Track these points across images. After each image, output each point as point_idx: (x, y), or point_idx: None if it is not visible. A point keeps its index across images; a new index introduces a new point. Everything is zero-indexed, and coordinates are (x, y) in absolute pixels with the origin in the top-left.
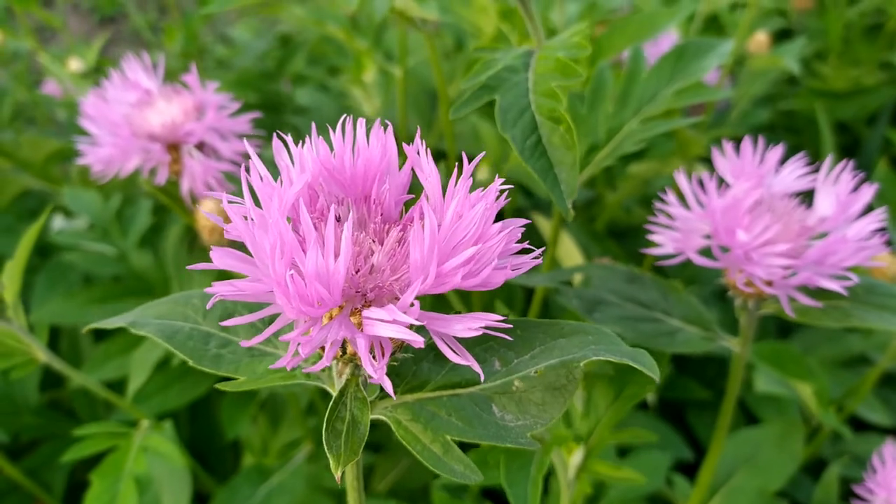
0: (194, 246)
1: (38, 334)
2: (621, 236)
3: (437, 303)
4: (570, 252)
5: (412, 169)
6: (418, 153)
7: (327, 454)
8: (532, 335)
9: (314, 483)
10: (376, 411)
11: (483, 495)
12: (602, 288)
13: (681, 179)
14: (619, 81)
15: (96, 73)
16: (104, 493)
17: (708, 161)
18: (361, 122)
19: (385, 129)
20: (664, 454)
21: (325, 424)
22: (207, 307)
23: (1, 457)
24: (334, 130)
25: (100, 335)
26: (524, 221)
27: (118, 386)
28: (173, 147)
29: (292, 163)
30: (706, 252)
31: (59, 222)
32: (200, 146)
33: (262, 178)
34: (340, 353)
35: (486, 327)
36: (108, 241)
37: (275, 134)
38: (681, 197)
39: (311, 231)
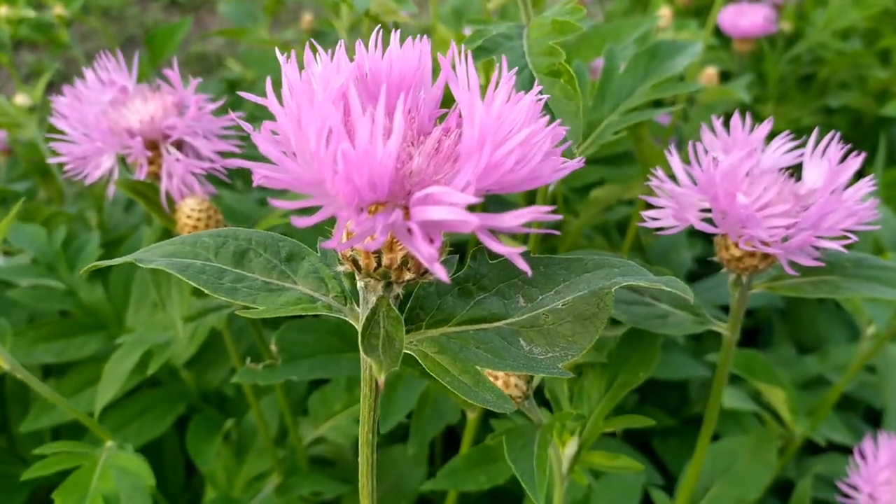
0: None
1: None
2: None
3: None
4: None
5: (446, 84)
6: (453, 66)
7: (369, 359)
8: (555, 272)
9: None
10: None
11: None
12: None
13: (672, 158)
14: (594, 81)
15: (42, 111)
16: None
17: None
18: (395, 32)
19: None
20: (637, 476)
21: (360, 340)
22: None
23: None
24: None
25: (48, 373)
26: (564, 128)
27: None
28: (152, 145)
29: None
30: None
31: None
32: (180, 146)
33: (298, 77)
34: (375, 266)
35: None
36: (54, 277)
37: (308, 42)
38: (671, 176)
39: (359, 114)
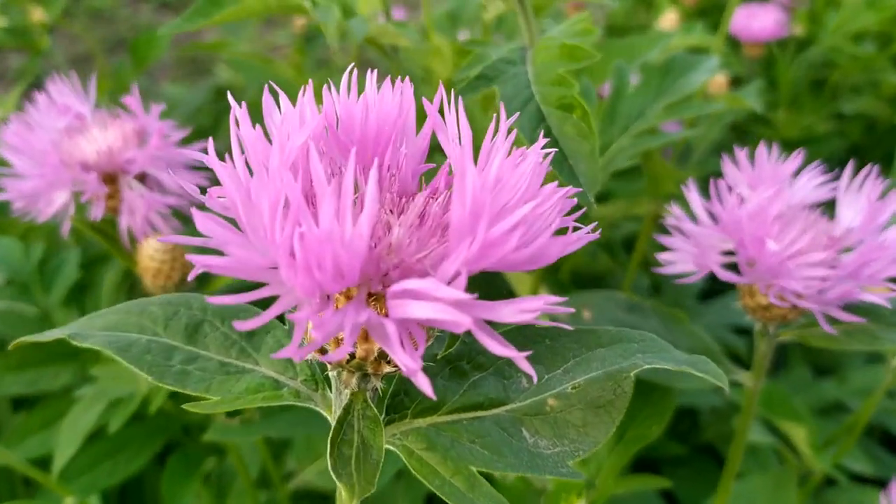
0: (134, 293)
1: None
2: (587, 285)
3: None
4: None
5: (432, 132)
6: (441, 111)
7: (338, 483)
8: (563, 346)
9: None
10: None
11: None
12: (600, 318)
13: (691, 194)
14: (603, 102)
15: None
16: None
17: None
18: (372, 75)
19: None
20: None
21: (329, 449)
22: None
23: None
24: None
25: (18, 405)
26: (574, 189)
27: (41, 464)
28: (110, 178)
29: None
30: (726, 268)
31: None
32: (142, 178)
33: (253, 134)
34: (347, 358)
35: (543, 316)
36: (28, 300)
37: (266, 87)
38: (689, 213)
39: (323, 186)
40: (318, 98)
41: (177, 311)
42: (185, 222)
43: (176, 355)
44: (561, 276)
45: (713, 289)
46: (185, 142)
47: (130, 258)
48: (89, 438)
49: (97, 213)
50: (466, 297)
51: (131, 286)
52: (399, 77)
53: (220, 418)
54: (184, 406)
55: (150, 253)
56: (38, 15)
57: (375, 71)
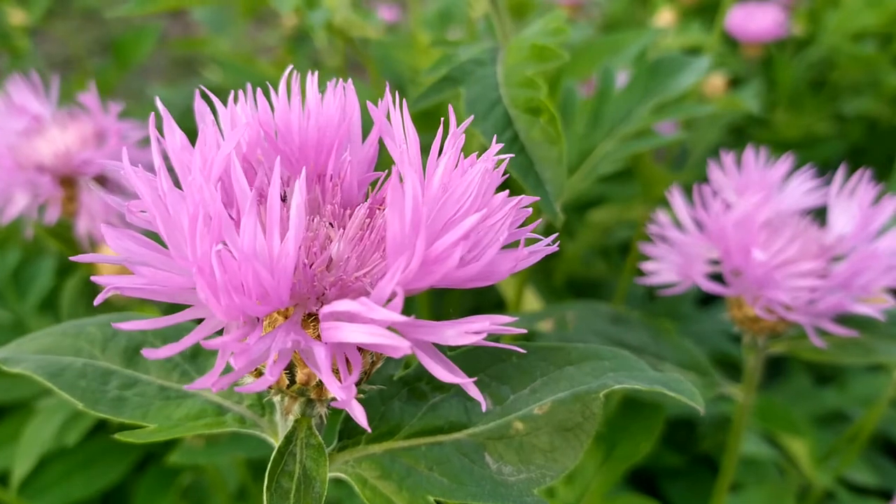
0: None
1: None
2: (581, 291)
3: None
4: (533, 307)
5: (379, 140)
6: (388, 116)
7: None
8: (530, 364)
9: None
10: (334, 467)
11: None
12: (584, 330)
13: (676, 200)
14: (588, 102)
15: None
16: None
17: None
18: (313, 77)
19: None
20: None
21: (266, 482)
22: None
23: None
24: None
25: None
26: (531, 199)
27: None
28: (68, 181)
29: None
30: (713, 278)
31: None
32: (102, 181)
33: (178, 142)
34: (287, 383)
35: (489, 336)
36: (2, 305)
37: (196, 90)
38: (675, 220)
39: (246, 199)
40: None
41: (116, 332)
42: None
43: (113, 380)
44: (554, 282)
45: (710, 295)
46: (144, 143)
47: (91, 264)
48: (63, 451)
49: (52, 216)
50: (403, 318)
51: (92, 292)
52: (379, 78)
53: (186, 438)
54: (116, 436)
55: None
56: (18, 18)
57: (316, 73)
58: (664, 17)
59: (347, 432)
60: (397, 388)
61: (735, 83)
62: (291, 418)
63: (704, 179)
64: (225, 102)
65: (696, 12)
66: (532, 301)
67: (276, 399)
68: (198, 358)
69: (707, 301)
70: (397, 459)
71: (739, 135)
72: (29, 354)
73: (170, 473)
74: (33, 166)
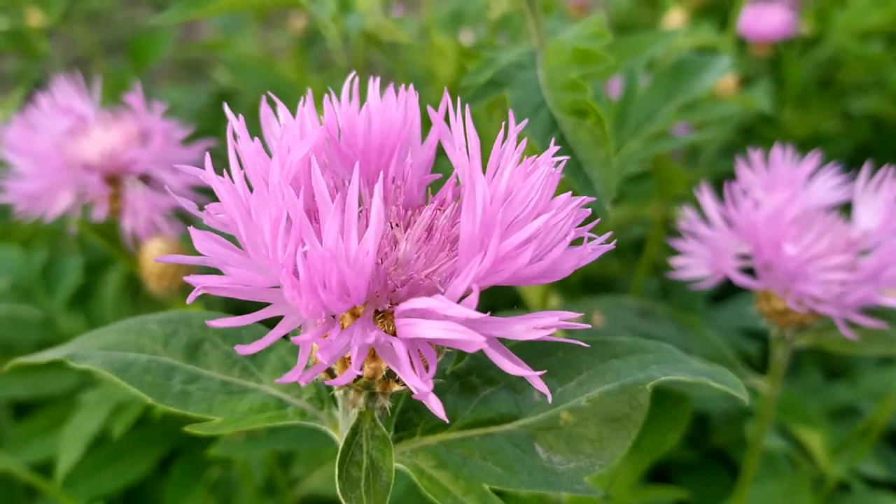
0: (138, 296)
1: None
2: (595, 289)
3: None
4: (552, 304)
5: (438, 142)
6: (447, 119)
7: None
8: (576, 357)
9: None
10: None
11: None
12: (613, 324)
13: (705, 197)
14: (612, 104)
15: None
16: None
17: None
18: (375, 82)
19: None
20: None
21: (337, 471)
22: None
23: None
24: None
25: (21, 411)
26: (589, 199)
27: (44, 470)
28: (113, 179)
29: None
30: (741, 272)
31: None
32: (145, 179)
33: (252, 148)
34: (354, 378)
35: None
36: (32, 303)
37: (264, 97)
38: (702, 216)
39: (326, 202)
40: (319, 104)
41: (176, 329)
42: (189, 223)
43: (176, 375)
44: (569, 280)
45: (722, 292)
46: (188, 142)
47: (134, 260)
48: (93, 443)
49: (100, 214)
50: (478, 315)
51: (135, 289)
52: (403, 82)
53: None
54: (186, 428)
55: (154, 255)
56: (36, 19)
57: (378, 78)
58: (675, 18)
59: (403, 425)
60: (450, 382)
61: (744, 82)
62: (356, 411)
63: (717, 177)
64: (236, 105)
65: (704, 12)
66: (551, 299)
67: (340, 393)
68: (256, 355)
69: (718, 298)
70: (452, 450)
71: (748, 134)
72: (94, 350)
73: (197, 468)
74: (80, 165)
